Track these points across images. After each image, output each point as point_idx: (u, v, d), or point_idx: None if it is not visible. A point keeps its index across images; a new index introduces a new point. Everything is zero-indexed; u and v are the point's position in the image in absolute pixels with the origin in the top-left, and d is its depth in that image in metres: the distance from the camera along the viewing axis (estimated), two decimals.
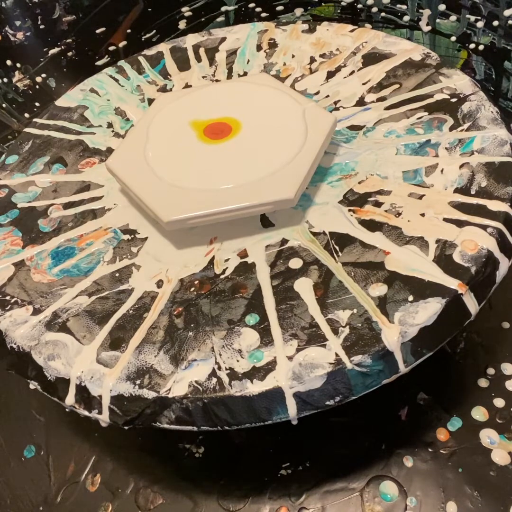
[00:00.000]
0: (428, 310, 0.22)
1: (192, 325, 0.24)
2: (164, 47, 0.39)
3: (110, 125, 0.35)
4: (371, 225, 0.26)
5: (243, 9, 0.54)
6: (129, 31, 0.55)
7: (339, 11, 0.52)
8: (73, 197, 0.31)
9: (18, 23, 0.58)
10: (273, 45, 0.37)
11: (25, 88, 0.52)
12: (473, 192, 0.26)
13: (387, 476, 0.26)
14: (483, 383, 0.28)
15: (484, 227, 0.24)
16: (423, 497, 0.25)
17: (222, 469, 0.27)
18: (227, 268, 0.26)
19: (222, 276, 0.26)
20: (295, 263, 0.25)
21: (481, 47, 0.45)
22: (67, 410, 0.29)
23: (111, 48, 0.54)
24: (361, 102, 0.32)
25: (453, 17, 0.48)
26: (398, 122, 0.30)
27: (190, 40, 0.39)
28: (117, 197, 0.30)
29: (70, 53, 0.54)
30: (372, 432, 0.27)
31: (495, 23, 0.46)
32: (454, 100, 0.30)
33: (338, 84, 0.34)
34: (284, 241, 0.26)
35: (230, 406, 0.22)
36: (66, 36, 0.56)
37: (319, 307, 0.23)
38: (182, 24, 0.54)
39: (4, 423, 0.31)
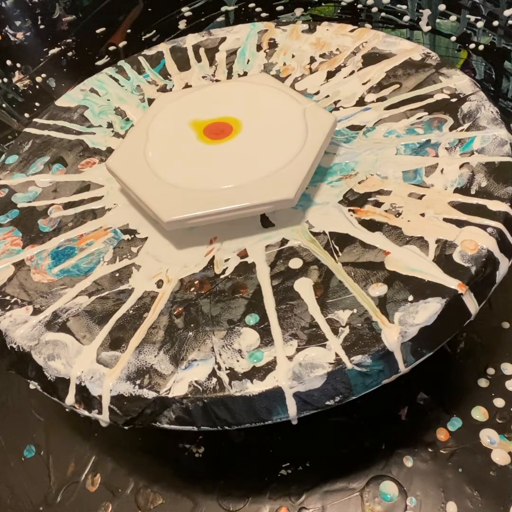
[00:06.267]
0: (428, 310, 0.22)
1: (192, 325, 0.24)
2: (164, 47, 0.39)
3: (110, 125, 0.35)
4: (371, 225, 0.26)
5: (243, 9, 0.54)
6: (129, 31, 0.55)
7: (339, 11, 0.52)
8: (73, 197, 0.31)
9: (18, 23, 0.58)
10: (273, 45, 0.37)
11: (25, 88, 0.52)
12: (473, 192, 0.26)
13: (387, 476, 0.26)
14: (483, 383, 0.28)
15: (484, 227, 0.24)
16: (423, 497, 0.25)
17: (222, 469, 0.27)
18: (227, 268, 0.26)
19: (222, 276, 0.26)
20: (295, 263, 0.25)
21: (481, 47, 0.45)
22: (67, 410, 0.30)
23: (111, 48, 0.54)
24: (361, 102, 0.32)
25: (453, 17, 0.48)
26: (398, 122, 0.30)
27: (190, 40, 0.39)
28: (117, 197, 0.30)
29: (70, 53, 0.54)
30: (372, 432, 0.27)
31: (495, 23, 0.46)
32: (454, 100, 0.30)
33: (338, 84, 0.34)
34: (284, 241, 0.26)
35: (230, 406, 0.22)
36: (66, 36, 0.56)
37: (319, 307, 0.23)
38: (182, 24, 0.54)
39: (4, 423, 0.31)
